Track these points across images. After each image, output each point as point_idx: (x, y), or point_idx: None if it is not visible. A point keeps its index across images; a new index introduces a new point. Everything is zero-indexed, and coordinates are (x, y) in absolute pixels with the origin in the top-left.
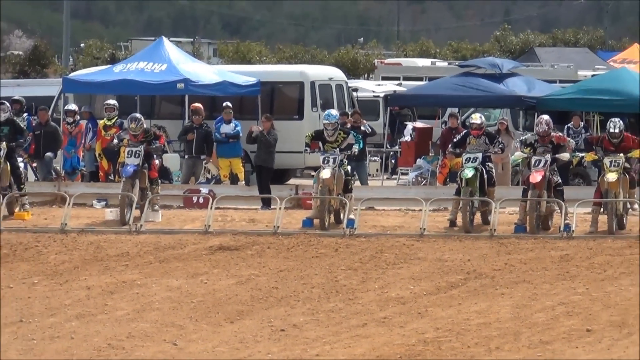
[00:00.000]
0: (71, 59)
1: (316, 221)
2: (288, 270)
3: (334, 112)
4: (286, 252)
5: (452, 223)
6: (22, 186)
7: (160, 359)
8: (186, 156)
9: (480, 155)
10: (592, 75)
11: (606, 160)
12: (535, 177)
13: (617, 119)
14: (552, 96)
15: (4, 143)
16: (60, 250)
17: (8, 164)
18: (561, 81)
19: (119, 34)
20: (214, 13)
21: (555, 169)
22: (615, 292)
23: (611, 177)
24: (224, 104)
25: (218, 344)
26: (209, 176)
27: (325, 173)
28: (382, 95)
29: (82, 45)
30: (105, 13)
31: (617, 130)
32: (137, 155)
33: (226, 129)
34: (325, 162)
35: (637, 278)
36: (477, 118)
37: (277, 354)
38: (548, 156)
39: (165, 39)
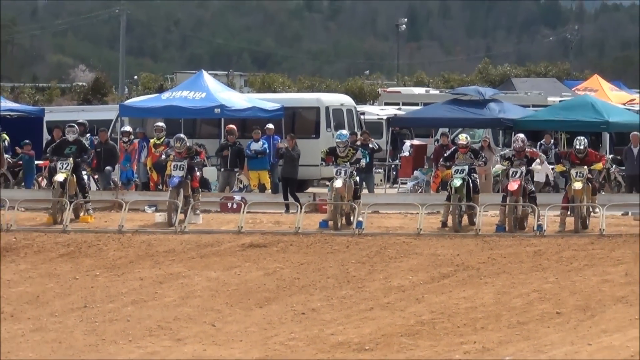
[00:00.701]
0: (126, 89)
1: (330, 223)
2: (307, 264)
3: (345, 132)
4: (306, 249)
5: (444, 224)
6: (85, 194)
7: (201, 339)
8: (222, 169)
9: (466, 167)
10: (560, 101)
11: (573, 172)
12: (513, 185)
13: (582, 137)
14: (526, 118)
15: (71, 159)
16: (117, 247)
17: (74, 176)
18: (534, 106)
19: (166, 67)
20: (245, 50)
21: (530, 178)
22: (580, 281)
23: (577, 185)
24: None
25: (249, 325)
26: (241, 186)
27: (338, 183)
28: (385, 118)
29: (135, 77)
30: (154, 50)
31: (582, 147)
32: (181, 168)
33: (255, 146)
34: (338, 173)
35: (599, 270)
36: (463, 138)
37: (298, 333)
38: (523, 168)
39: (204, 72)
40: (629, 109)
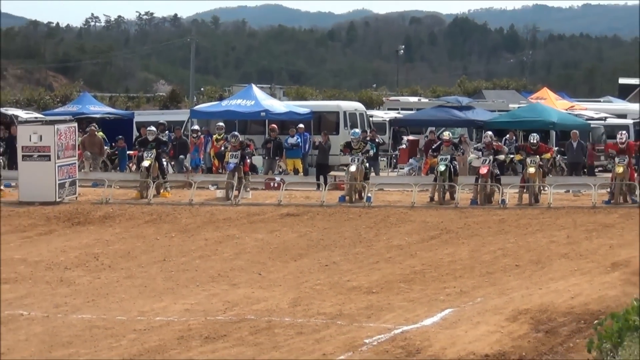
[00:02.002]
0: (195, 98)
1: (347, 198)
2: (329, 228)
3: (358, 130)
4: (328, 217)
5: (431, 199)
6: (165, 176)
7: (250, 284)
8: (266, 157)
9: (449, 157)
10: (518, 107)
11: (528, 160)
12: (483, 170)
13: (535, 134)
14: (493, 120)
15: (154, 150)
16: (188, 216)
17: (156, 162)
18: (499, 111)
19: (224, 82)
20: (283, 69)
21: (495, 164)
22: (533, 242)
23: (531, 170)
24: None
25: (286, 274)
26: (281, 170)
27: (353, 168)
28: (387, 119)
29: (202, 89)
30: (216, 69)
31: (535, 141)
32: (236, 157)
33: (291, 140)
34: (352, 161)
35: (547, 233)
36: (447, 135)
37: (323, 280)
38: (491, 157)
39: (253, 85)
40: (569, 113)
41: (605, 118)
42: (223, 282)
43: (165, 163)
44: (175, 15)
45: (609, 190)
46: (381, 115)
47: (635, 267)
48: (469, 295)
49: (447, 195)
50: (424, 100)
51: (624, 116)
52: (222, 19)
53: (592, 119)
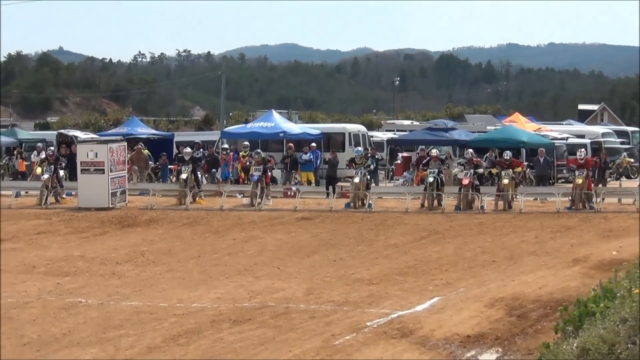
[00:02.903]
0: (224, 121)
1: (352, 204)
2: (337, 230)
3: (360, 148)
4: (336, 221)
5: (422, 205)
6: (199, 186)
7: (271, 276)
8: (284, 171)
9: (436, 170)
10: (494, 129)
11: (502, 173)
12: (465, 181)
13: (508, 151)
14: (474, 139)
15: (190, 165)
16: (219, 219)
17: (192, 175)
18: (478, 132)
19: (249, 108)
20: (298, 97)
21: (476, 176)
22: (507, 241)
23: (505, 181)
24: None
25: (301, 268)
26: (296, 181)
27: (356, 179)
28: (385, 139)
29: (230, 114)
30: (242, 97)
31: (508, 157)
32: (258, 170)
33: (305, 157)
34: (356, 174)
35: (519, 234)
36: (434, 152)
37: (331, 273)
38: (471, 170)
39: (273, 111)
40: (537, 134)
41: (567, 138)
42: (248, 275)
43: (200, 175)
44: (208, 52)
45: (570, 198)
46: (380, 135)
47: (592, 263)
48: (454, 285)
49: (435, 202)
50: (415, 123)
51: (582, 136)
52: (248, 56)
53: (556, 138)
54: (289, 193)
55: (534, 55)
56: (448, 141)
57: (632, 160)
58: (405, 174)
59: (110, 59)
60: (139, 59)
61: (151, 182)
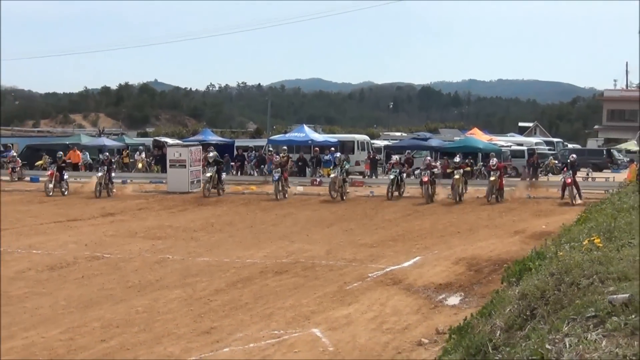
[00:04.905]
0: (270, 132)
1: (331, 194)
2: (348, 209)
3: (338, 154)
4: (347, 202)
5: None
6: (222, 182)
7: (302, 241)
8: (312, 167)
9: (398, 170)
10: (459, 139)
11: (455, 171)
12: (424, 178)
13: (459, 155)
14: (444, 146)
15: (216, 167)
16: (266, 201)
17: (216, 174)
18: (448, 141)
19: (287, 123)
20: (322, 116)
21: (432, 176)
22: (468, 218)
23: (457, 176)
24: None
25: (323, 236)
26: (320, 174)
27: (333, 174)
28: (383, 145)
29: (274, 127)
30: (283, 114)
31: (458, 160)
32: (278, 172)
33: (326, 157)
34: (334, 172)
35: (476, 214)
36: (394, 159)
37: (344, 240)
38: (429, 171)
39: (304, 125)
40: (490, 143)
41: (510, 146)
42: (286, 240)
43: (223, 174)
44: (259, 84)
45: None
46: (379, 143)
47: (528, 234)
48: (430, 249)
49: (396, 194)
50: (404, 134)
51: (521, 144)
52: (286, 86)
53: (503, 146)
54: (314, 182)
55: (487, 87)
56: (427, 147)
57: (556, 161)
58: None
59: (191, 88)
60: (210, 88)
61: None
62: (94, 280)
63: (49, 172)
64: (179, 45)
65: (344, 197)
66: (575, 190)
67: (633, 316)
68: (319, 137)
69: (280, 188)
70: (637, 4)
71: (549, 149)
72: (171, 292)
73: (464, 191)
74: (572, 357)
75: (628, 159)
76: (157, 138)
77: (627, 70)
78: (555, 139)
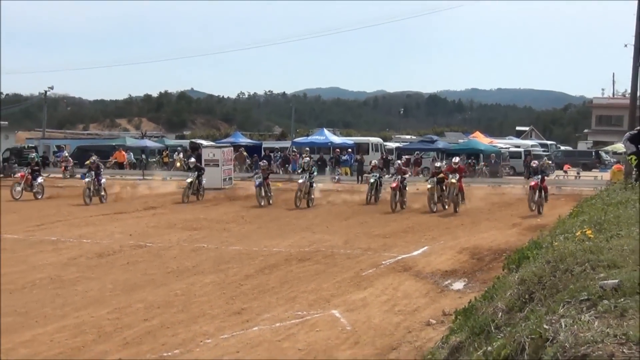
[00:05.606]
0: (294, 135)
1: (295, 202)
2: (370, 204)
3: (308, 159)
4: (363, 197)
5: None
6: (200, 187)
7: (322, 232)
8: (331, 166)
9: (377, 175)
10: (463, 141)
11: (450, 175)
12: (393, 184)
13: (457, 158)
14: (449, 148)
15: (196, 173)
16: (290, 195)
17: (197, 180)
18: (453, 143)
19: (309, 126)
20: (340, 120)
21: (403, 181)
22: (470, 212)
23: (453, 180)
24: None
25: (341, 227)
26: (338, 172)
27: (300, 180)
28: (394, 147)
29: (297, 130)
30: (305, 119)
31: (457, 160)
32: (259, 177)
33: (344, 157)
34: (302, 177)
35: (478, 208)
36: (373, 162)
37: (360, 231)
38: (399, 177)
39: (324, 129)
40: (490, 145)
41: (509, 147)
42: (308, 231)
43: (203, 181)
44: (284, 92)
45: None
46: (391, 145)
47: (524, 226)
48: (437, 239)
49: (373, 199)
50: (413, 137)
51: (518, 146)
52: (308, 95)
53: (502, 148)
54: (334, 180)
55: (488, 95)
56: (434, 149)
57: (550, 162)
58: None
59: (223, 96)
60: (241, 96)
61: (248, 172)
62: (137, 266)
63: (20, 174)
64: (213, 57)
65: (310, 204)
66: (541, 196)
67: (622, 300)
68: (337, 139)
69: (264, 194)
70: (621, 22)
71: (544, 151)
72: (206, 277)
73: (460, 201)
74: (568, 336)
75: (615, 160)
76: (193, 140)
77: (613, 80)
78: (549, 142)
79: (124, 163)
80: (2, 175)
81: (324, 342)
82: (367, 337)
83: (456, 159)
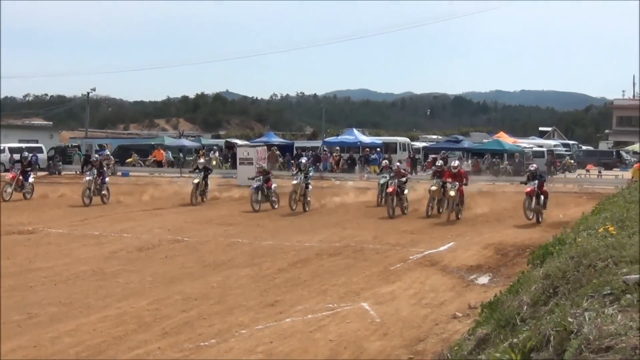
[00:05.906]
0: (324, 135)
1: (290, 206)
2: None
3: (304, 160)
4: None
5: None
6: (207, 188)
7: (352, 228)
8: (360, 165)
9: (388, 175)
10: (488, 141)
11: (448, 185)
12: (389, 189)
13: (456, 160)
14: (475, 148)
15: (203, 174)
16: (321, 192)
17: (203, 180)
18: (478, 143)
19: (339, 127)
20: (369, 121)
21: (402, 185)
22: (495, 210)
23: (451, 193)
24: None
25: (370, 223)
26: (367, 171)
27: (294, 181)
28: (422, 147)
29: (327, 130)
30: (334, 120)
31: (456, 164)
32: (259, 180)
33: (372, 156)
34: (296, 178)
35: (502, 206)
36: (384, 163)
37: (388, 227)
38: (396, 180)
39: (354, 129)
40: (514, 145)
41: (532, 147)
42: (339, 227)
43: (208, 182)
44: (315, 93)
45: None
46: (418, 144)
47: (547, 223)
48: (462, 236)
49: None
50: (439, 137)
51: (541, 146)
52: (338, 96)
53: (526, 147)
54: (363, 178)
55: (512, 97)
56: (459, 148)
57: (572, 161)
58: (432, 167)
59: (256, 97)
60: (273, 97)
61: (280, 171)
62: (175, 260)
63: (11, 175)
64: (247, 60)
65: (307, 208)
66: (539, 203)
67: None
68: (366, 139)
69: (260, 198)
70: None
71: (566, 150)
72: (241, 270)
73: (461, 209)
74: (592, 329)
75: (635, 159)
76: (228, 139)
77: (634, 82)
78: (571, 142)
79: (163, 161)
80: (47, 173)
81: (354, 334)
82: (396, 329)
83: (455, 163)
